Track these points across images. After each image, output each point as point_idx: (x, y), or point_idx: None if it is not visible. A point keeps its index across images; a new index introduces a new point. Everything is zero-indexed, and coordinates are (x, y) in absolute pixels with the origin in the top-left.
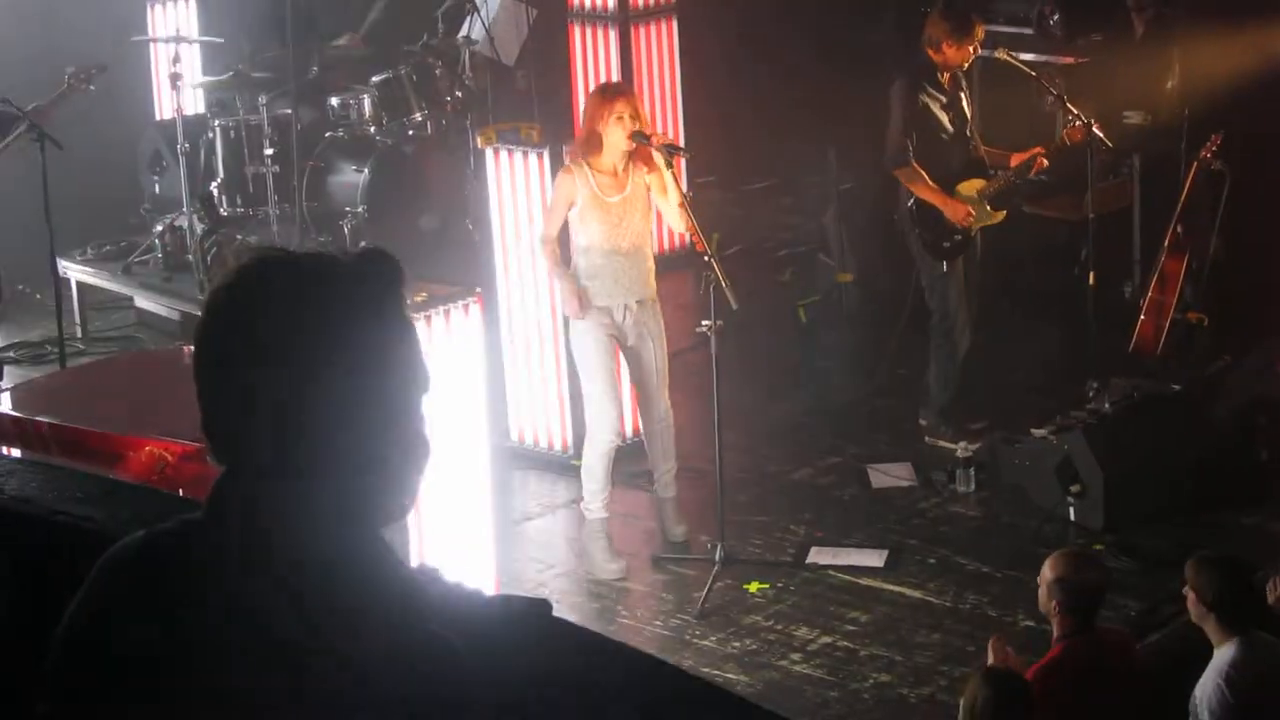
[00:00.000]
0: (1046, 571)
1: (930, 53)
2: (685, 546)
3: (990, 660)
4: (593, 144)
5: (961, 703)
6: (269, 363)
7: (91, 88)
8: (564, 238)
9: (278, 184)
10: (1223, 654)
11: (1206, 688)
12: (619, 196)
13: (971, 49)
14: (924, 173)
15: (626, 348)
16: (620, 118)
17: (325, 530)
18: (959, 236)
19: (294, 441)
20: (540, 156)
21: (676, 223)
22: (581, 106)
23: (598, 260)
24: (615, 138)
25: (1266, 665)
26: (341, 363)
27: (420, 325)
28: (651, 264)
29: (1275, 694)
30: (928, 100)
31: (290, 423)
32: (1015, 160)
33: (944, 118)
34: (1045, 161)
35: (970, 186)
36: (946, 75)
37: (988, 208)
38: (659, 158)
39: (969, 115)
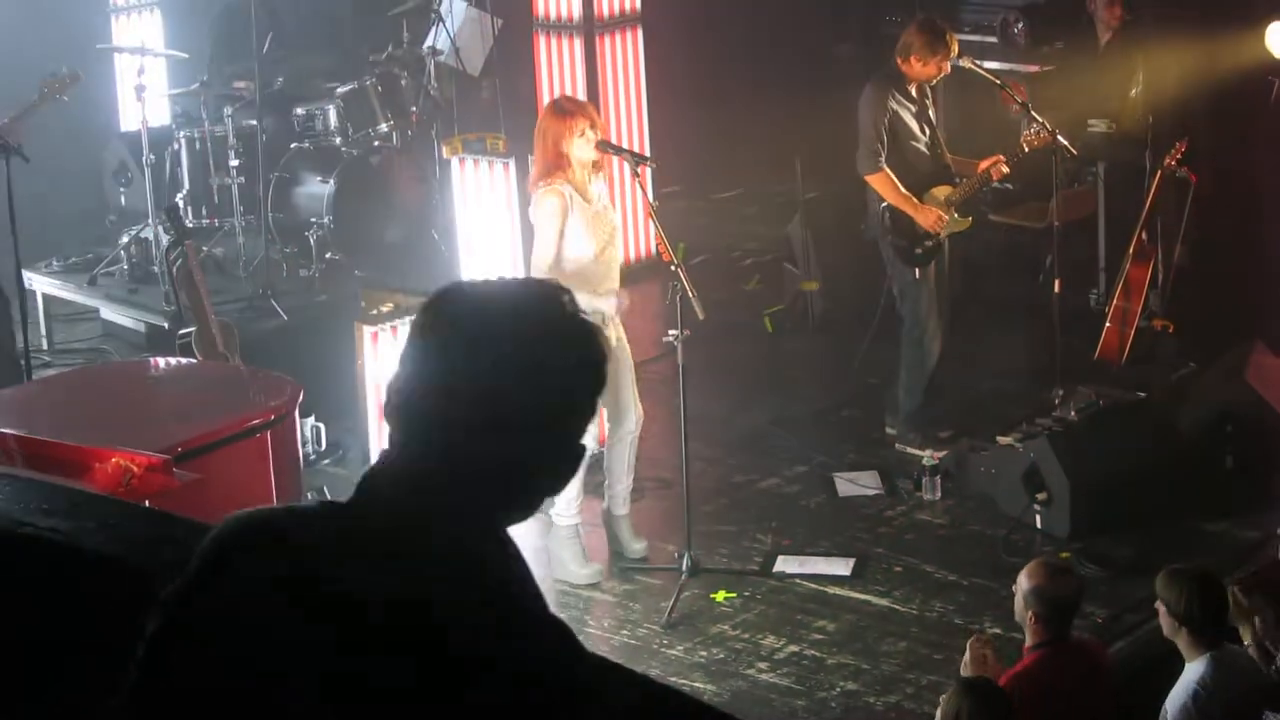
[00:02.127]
0: (1022, 580)
1: (899, 62)
2: (645, 559)
3: (967, 660)
4: (561, 163)
5: (939, 713)
6: (477, 378)
7: (64, 98)
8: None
9: (243, 195)
10: (1194, 669)
11: (1176, 702)
12: (595, 208)
13: (940, 66)
14: (895, 179)
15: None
16: (582, 132)
17: (473, 524)
18: (930, 243)
19: (473, 443)
20: (506, 166)
21: None
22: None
23: (583, 283)
24: (581, 151)
25: (1237, 681)
26: (538, 387)
27: (387, 335)
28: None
29: (1244, 711)
30: (897, 107)
31: (477, 427)
32: (980, 167)
33: (913, 125)
34: (1005, 169)
35: (939, 193)
36: (915, 85)
37: (955, 215)
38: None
39: (935, 123)
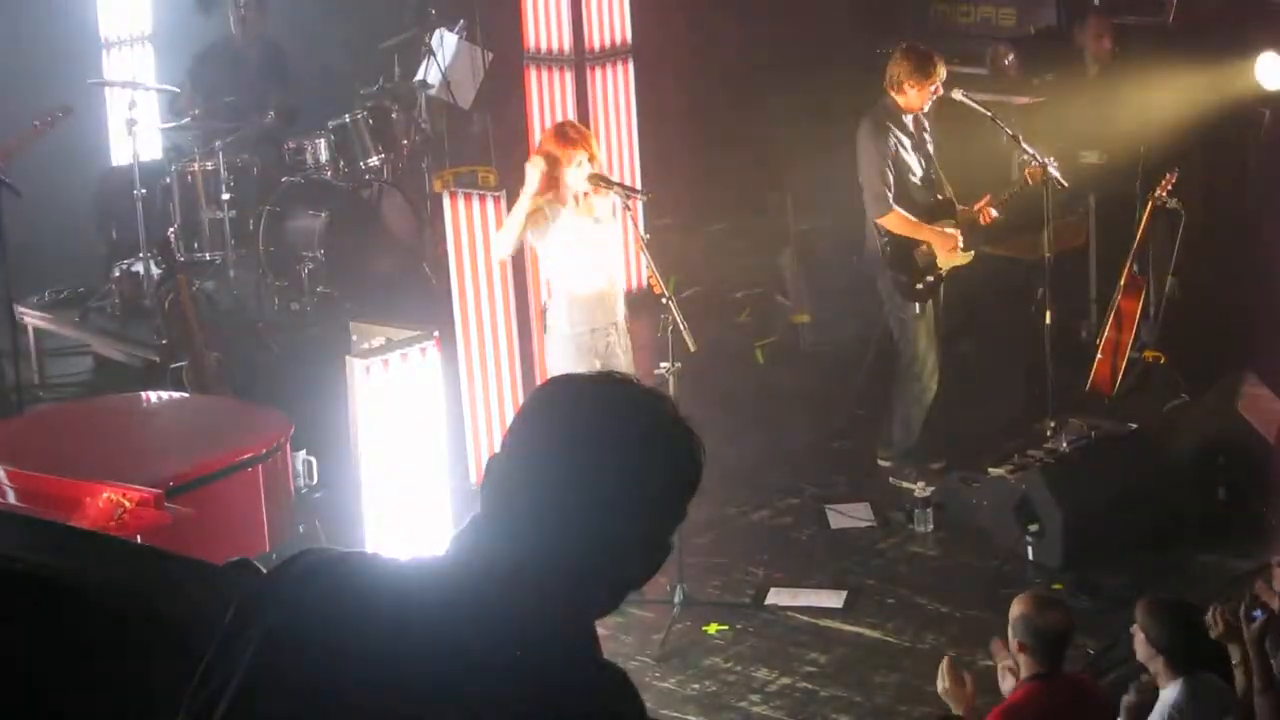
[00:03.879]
0: (1013, 612)
1: (893, 93)
2: (642, 591)
3: (944, 682)
4: (551, 185)
5: None
6: (584, 474)
7: (53, 126)
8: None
9: (234, 229)
10: (1168, 694)
11: None
12: (589, 219)
13: (933, 88)
14: (905, 213)
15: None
16: (580, 162)
17: (552, 607)
18: (930, 278)
19: (572, 532)
20: (497, 200)
21: None
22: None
23: (580, 293)
24: (573, 180)
25: (1210, 707)
26: (643, 502)
27: (378, 368)
28: (621, 290)
29: None
30: (896, 143)
31: (578, 524)
32: (974, 209)
33: (911, 160)
34: (994, 213)
35: (940, 227)
36: (911, 117)
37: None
38: (613, 196)
39: (933, 156)
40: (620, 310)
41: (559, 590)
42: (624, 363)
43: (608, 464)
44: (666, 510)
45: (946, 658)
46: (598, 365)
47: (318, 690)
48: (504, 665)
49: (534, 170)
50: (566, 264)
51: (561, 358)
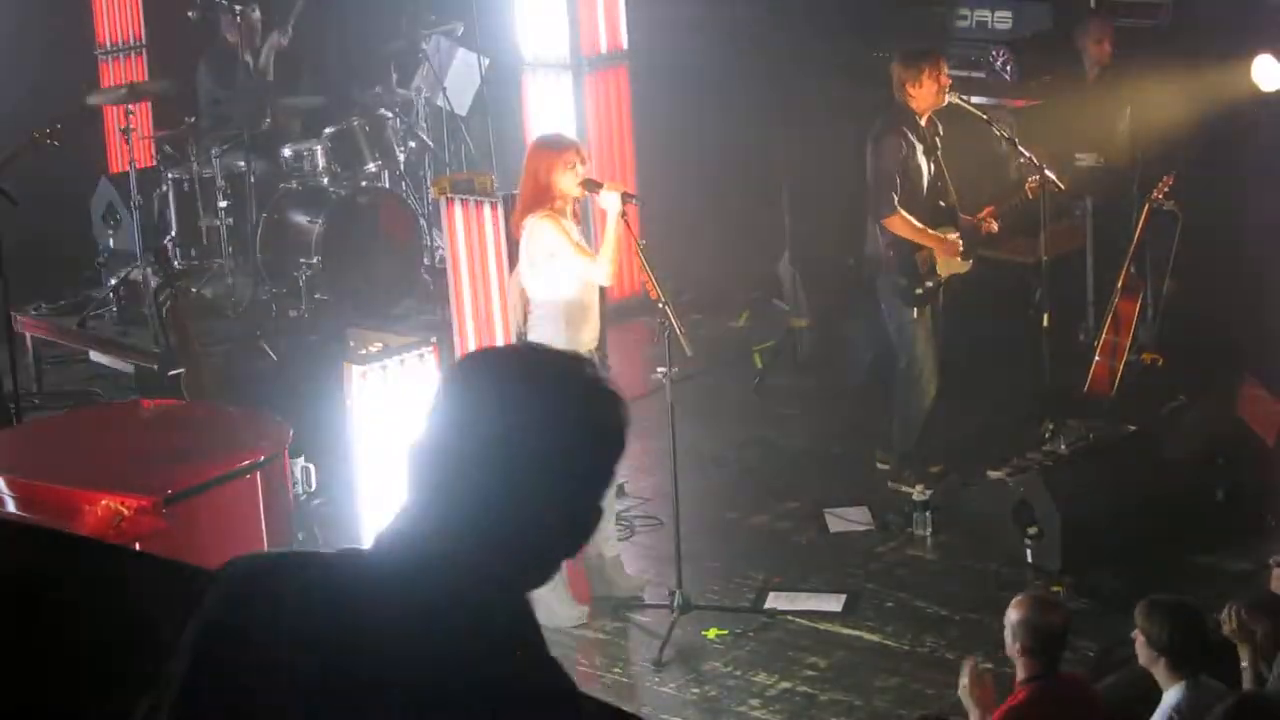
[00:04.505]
0: (1010, 613)
1: (905, 97)
2: (640, 597)
3: (965, 682)
4: (545, 197)
5: None
6: (504, 439)
7: (56, 143)
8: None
9: (232, 236)
10: (1169, 698)
11: None
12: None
13: (939, 80)
14: (911, 217)
15: None
16: (572, 166)
17: (485, 585)
18: (931, 283)
19: (493, 511)
20: (495, 206)
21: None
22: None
23: (576, 312)
24: (568, 185)
25: (1211, 710)
26: (568, 470)
27: (376, 375)
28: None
29: None
30: (909, 148)
31: (500, 496)
32: (975, 219)
33: (923, 163)
34: (995, 225)
35: (943, 234)
36: (925, 120)
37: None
38: (612, 200)
39: (943, 164)
40: (599, 334)
41: (490, 571)
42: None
43: (527, 436)
44: (592, 476)
45: (971, 658)
46: None
47: (254, 691)
48: (437, 654)
49: (613, 195)
50: (566, 289)
51: None
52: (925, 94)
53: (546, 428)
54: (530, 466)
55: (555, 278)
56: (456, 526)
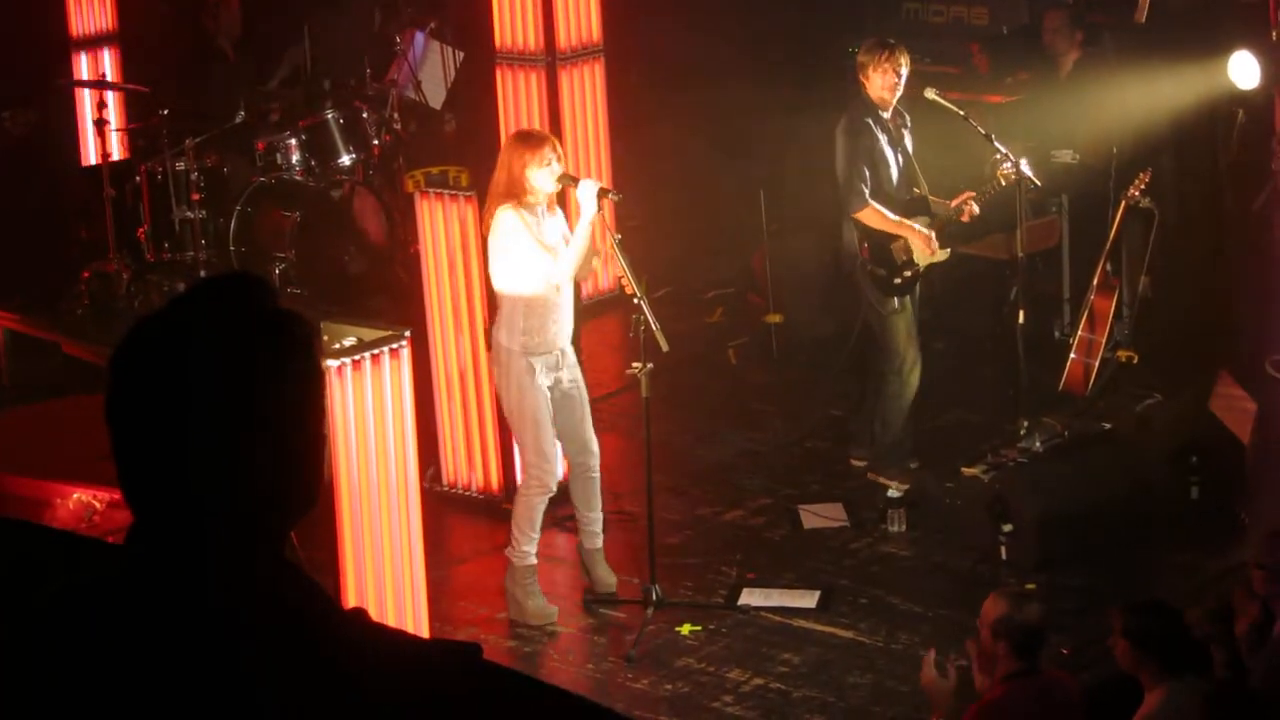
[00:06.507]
0: (987, 612)
1: (863, 83)
2: (614, 592)
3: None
4: (519, 189)
5: None
6: (194, 409)
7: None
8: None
9: (205, 229)
10: (1156, 699)
11: None
12: (548, 242)
13: (896, 71)
14: (882, 209)
15: (560, 393)
16: (548, 162)
17: (235, 562)
18: (909, 273)
19: (210, 483)
20: (469, 199)
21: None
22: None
23: (539, 308)
24: (543, 181)
25: (1195, 710)
26: (263, 414)
27: (350, 369)
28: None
29: None
30: (871, 139)
31: (208, 466)
32: (952, 204)
33: (888, 153)
34: (976, 209)
35: (915, 223)
36: (889, 112)
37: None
38: (588, 196)
39: (911, 152)
40: (570, 333)
41: (222, 547)
42: (581, 386)
43: (215, 393)
44: (297, 407)
45: (931, 649)
46: (563, 378)
47: None
48: (192, 654)
49: (590, 192)
50: (528, 284)
51: (515, 382)
52: (883, 82)
53: (235, 378)
54: (234, 426)
55: (514, 270)
56: (178, 518)
